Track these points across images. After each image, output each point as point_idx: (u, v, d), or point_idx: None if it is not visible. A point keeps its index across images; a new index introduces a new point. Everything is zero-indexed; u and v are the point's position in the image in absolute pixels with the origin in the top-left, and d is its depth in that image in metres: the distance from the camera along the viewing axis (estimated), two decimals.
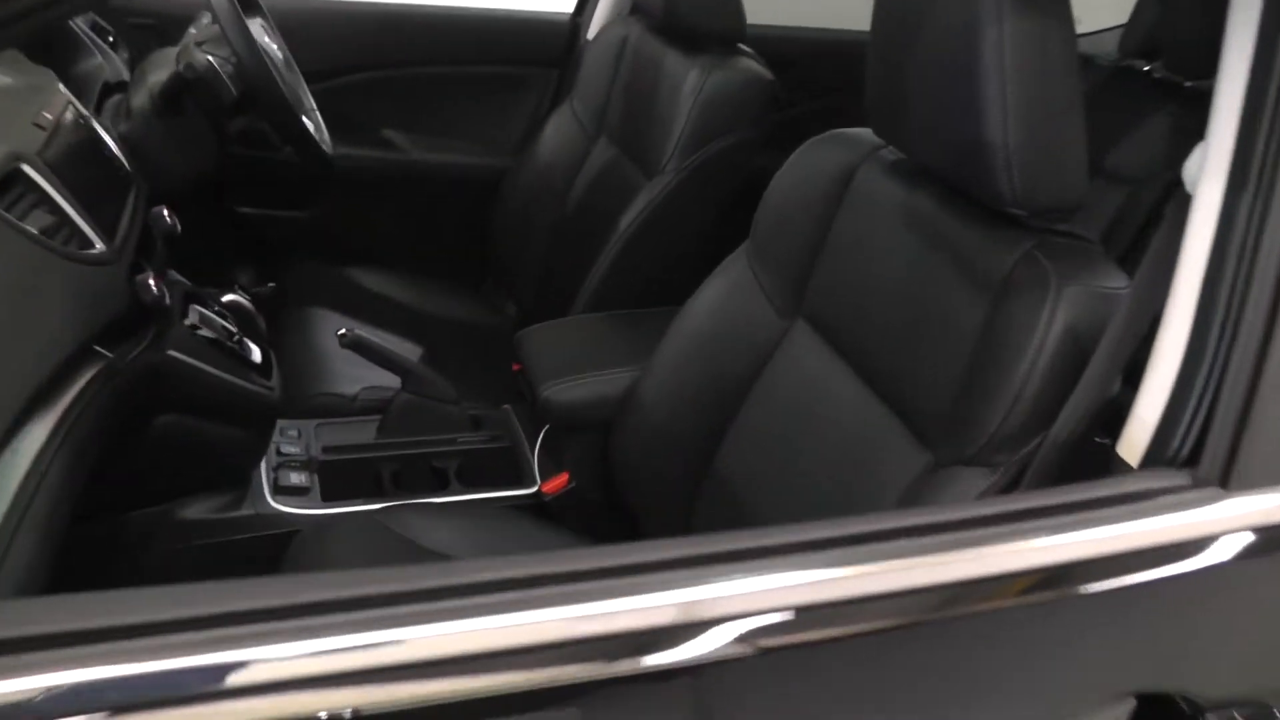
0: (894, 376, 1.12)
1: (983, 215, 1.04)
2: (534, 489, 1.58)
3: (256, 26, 1.67)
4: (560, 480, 1.55)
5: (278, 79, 1.52)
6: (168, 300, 1.24)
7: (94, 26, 1.80)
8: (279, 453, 1.56)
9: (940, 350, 1.05)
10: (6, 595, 0.86)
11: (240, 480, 1.50)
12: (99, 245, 1.15)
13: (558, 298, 1.90)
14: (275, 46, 1.68)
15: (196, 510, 1.45)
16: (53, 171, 1.13)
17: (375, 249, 2.24)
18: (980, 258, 1.02)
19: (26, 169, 1.09)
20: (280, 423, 1.62)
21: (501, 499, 1.57)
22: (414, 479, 1.60)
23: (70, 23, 1.71)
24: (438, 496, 1.56)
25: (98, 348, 1.12)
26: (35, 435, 0.96)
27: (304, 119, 1.61)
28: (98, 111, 1.57)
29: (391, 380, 1.66)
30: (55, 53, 1.68)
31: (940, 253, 1.08)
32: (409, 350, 1.90)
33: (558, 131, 2.10)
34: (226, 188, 2.14)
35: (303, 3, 2.10)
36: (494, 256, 2.24)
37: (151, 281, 1.20)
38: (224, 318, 1.47)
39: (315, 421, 1.65)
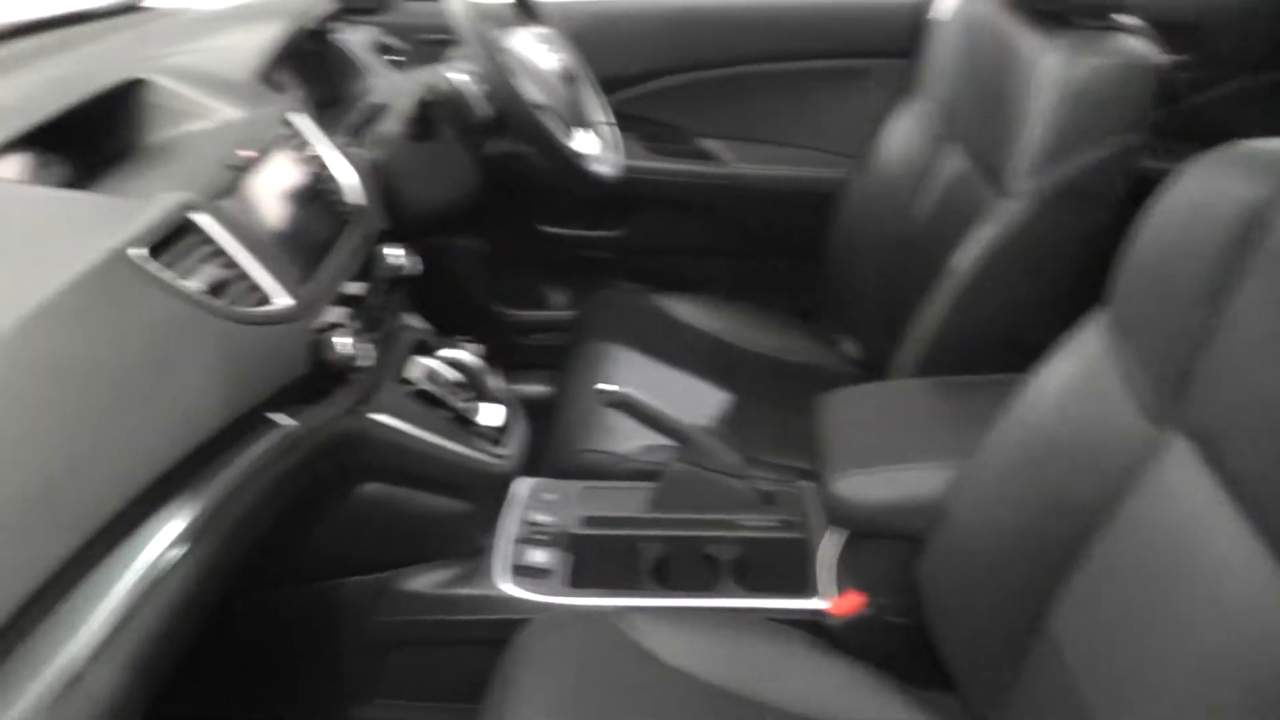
0: None
1: None
2: (818, 604, 1.25)
3: (523, 36, 1.48)
4: (854, 602, 1.20)
5: (520, 94, 1.31)
6: (360, 360, 1.07)
7: (379, 46, 1.70)
8: (528, 522, 1.36)
9: None
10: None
11: (474, 551, 1.32)
12: (280, 300, 1.00)
13: (899, 340, 1.54)
14: (548, 58, 1.48)
15: (421, 583, 1.28)
16: (234, 218, 1.01)
17: (693, 273, 2.00)
18: None
19: (198, 219, 0.96)
20: (538, 483, 1.42)
21: (776, 611, 1.25)
22: (679, 569, 1.33)
23: (339, 42, 1.61)
24: (700, 596, 1.27)
25: (273, 415, 0.98)
26: (168, 523, 0.83)
27: (560, 136, 1.40)
28: (356, 138, 1.46)
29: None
30: (332, 76, 1.60)
31: None
32: (710, 400, 1.64)
33: (902, 135, 1.73)
34: (533, 206, 1.99)
35: (608, 2, 1.89)
36: (830, 284, 1.90)
37: (337, 340, 1.03)
38: (462, 370, 1.29)
39: (581, 484, 1.42)
